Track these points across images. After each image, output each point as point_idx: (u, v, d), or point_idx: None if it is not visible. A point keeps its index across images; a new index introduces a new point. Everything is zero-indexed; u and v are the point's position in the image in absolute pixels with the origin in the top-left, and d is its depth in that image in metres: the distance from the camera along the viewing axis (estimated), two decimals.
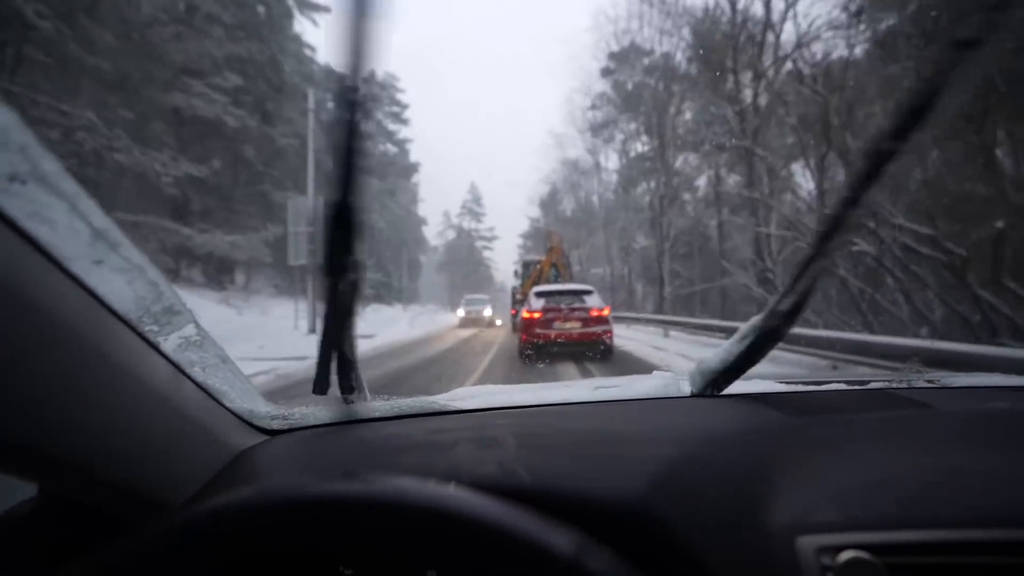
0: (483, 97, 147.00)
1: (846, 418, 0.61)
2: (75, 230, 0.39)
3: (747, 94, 11.81)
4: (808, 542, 0.39)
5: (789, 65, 9.81)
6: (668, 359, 7.86)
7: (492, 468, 0.49)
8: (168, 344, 0.50)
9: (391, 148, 36.76)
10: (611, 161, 29.79)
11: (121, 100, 12.45)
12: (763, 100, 11.74)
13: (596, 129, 28.58)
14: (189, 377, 0.51)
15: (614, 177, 29.48)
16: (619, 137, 28.26)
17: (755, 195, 11.32)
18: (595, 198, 30.97)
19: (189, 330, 0.54)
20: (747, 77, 12.12)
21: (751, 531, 0.42)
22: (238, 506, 0.35)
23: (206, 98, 14.88)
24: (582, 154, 30.28)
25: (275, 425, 0.63)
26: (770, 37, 11.29)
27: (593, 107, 28.17)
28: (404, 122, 36.53)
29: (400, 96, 35.89)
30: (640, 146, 26.69)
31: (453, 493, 0.37)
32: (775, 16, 10.88)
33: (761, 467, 0.48)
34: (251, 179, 17.49)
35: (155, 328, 0.48)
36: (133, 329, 0.43)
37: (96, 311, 0.39)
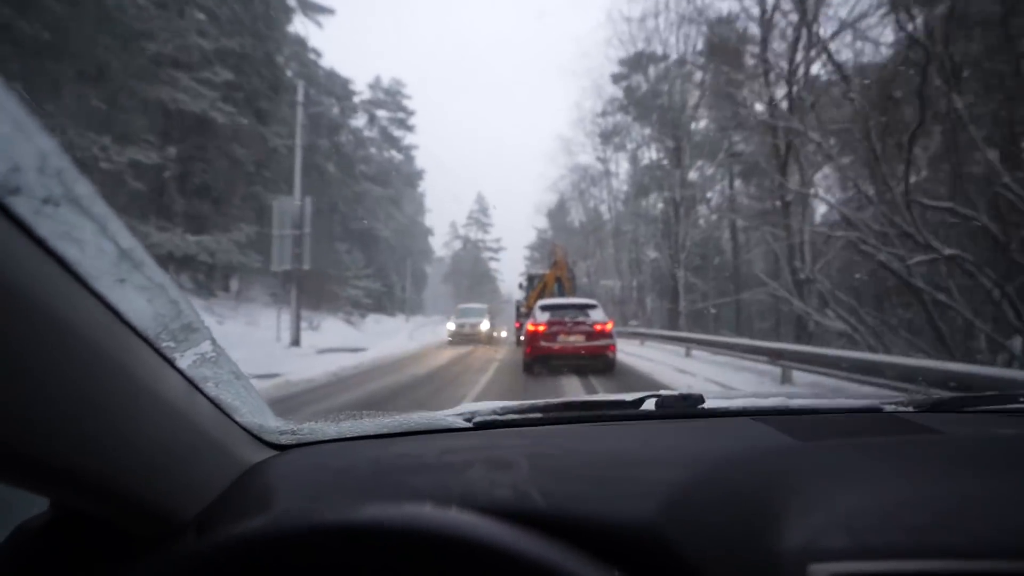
0: (491, 104, 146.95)
1: (854, 442, 0.61)
2: (102, 250, 0.40)
3: (781, 84, 10.55)
4: (820, 570, 0.39)
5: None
6: (697, 386, 6.65)
7: (507, 491, 0.50)
8: (184, 360, 0.51)
9: (396, 155, 35.91)
10: (622, 169, 28.71)
11: (93, 86, 11.51)
12: (791, 96, 10.56)
13: (607, 136, 27.55)
14: (203, 392, 0.52)
15: (624, 187, 28.39)
16: (630, 146, 27.20)
17: (790, 193, 10.07)
18: (605, 207, 29.84)
19: (205, 347, 0.55)
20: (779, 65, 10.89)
21: (762, 557, 0.41)
22: (251, 535, 0.36)
23: (193, 92, 13.97)
24: (591, 161, 29.23)
25: (284, 440, 0.64)
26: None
27: (604, 113, 27.19)
28: (410, 128, 35.64)
29: (406, 102, 35.14)
30: (654, 152, 25.57)
31: (469, 520, 0.37)
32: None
33: (771, 491, 0.48)
34: (242, 180, 16.48)
35: (172, 344, 0.49)
36: (151, 345, 0.44)
37: (116, 327, 0.40)
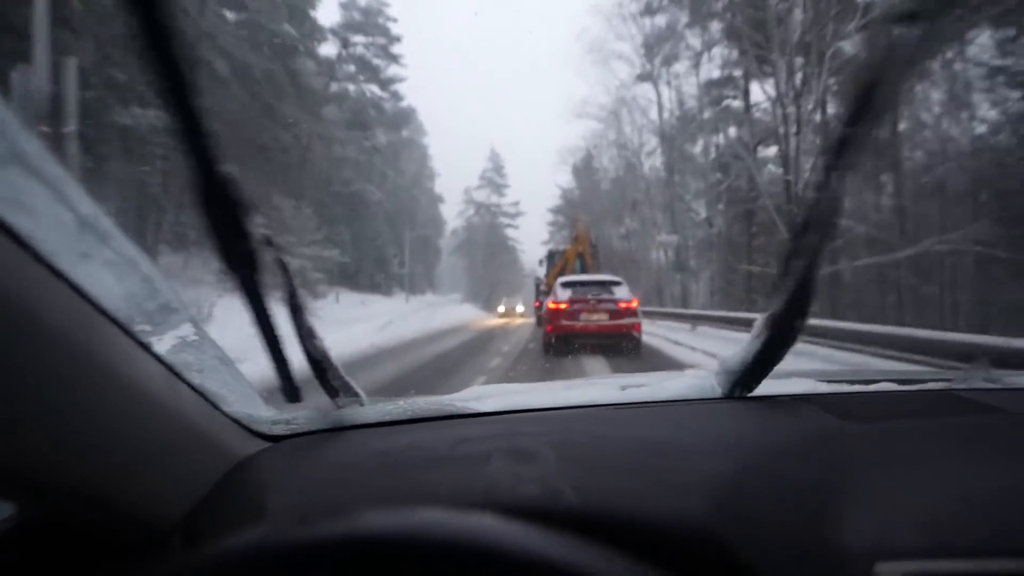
0: (507, 38, 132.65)
1: (908, 424, 0.57)
2: (59, 220, 0.36)
3: None
4: (890, 569, 0.37)
5: None
6: None
7: (534, 488, 0.46)
8: (162, 345, 0.47)
9: (376, 90, 28.92)
10: (671, 96, 21.32)
11: None
12: None
13: (652, 45, 20.17)
14: (185, 380, 0.48)
15: (674, 116, 21.08)
16: (687, 55, 19.77)
17: None
18: (647, 149, 22.66)
19: (186, 329, 0.51)
20: None
21: (824, 557, 0.39)
22: (243, 549, 0.32)
23: None
24: (629, 90, 21.89)
25: (277, 431, 0.60)
26: None
27: (648, 10, 19.73)
28: (394, 58, 28.49)
29: (391, 25, 27.90)
30: (717, 61, 18.18)
31: (493, 525, 0.33)
32: None
33: (825, 481, 0.46)
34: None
35: (148, 328, 0.45)
36: (123, 329, 0.40)
37: (82, 309, 0.36)
